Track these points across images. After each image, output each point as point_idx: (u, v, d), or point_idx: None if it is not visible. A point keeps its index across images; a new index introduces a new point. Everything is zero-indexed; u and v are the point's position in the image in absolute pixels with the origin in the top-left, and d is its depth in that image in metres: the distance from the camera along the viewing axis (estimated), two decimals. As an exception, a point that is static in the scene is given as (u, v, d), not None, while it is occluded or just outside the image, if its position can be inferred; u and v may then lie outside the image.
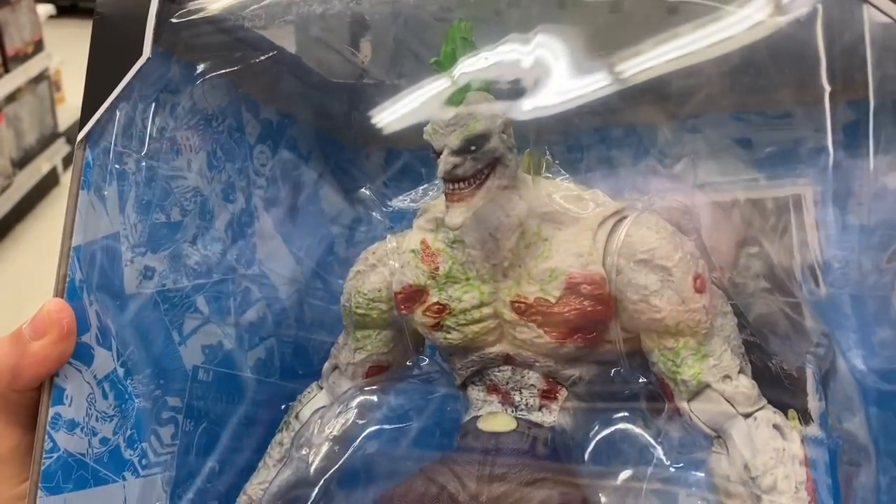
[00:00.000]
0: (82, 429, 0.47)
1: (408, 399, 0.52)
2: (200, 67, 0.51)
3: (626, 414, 0.45)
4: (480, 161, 0.43)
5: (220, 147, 0.57)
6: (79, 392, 0.47)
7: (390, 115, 0.57)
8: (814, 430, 0.44)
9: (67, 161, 3.01)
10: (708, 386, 0.43)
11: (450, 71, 0.45)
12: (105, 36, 0.48)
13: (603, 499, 0.42)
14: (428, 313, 0.48)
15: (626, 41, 0.47)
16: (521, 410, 0.47)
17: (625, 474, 0.43)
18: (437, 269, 0.47)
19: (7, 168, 2.58)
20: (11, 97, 2.62)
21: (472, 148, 0.42)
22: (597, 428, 0.46)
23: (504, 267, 0.46)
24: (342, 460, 0.49)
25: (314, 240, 0.66)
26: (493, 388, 0.48)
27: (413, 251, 0.49)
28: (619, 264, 0.43)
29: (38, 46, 2.80)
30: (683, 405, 0.44)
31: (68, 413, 0.46)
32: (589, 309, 0.44)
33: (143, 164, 0.50)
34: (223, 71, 0.51)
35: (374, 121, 0.59)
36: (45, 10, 2.93)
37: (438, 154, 0.43)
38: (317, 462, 0.49)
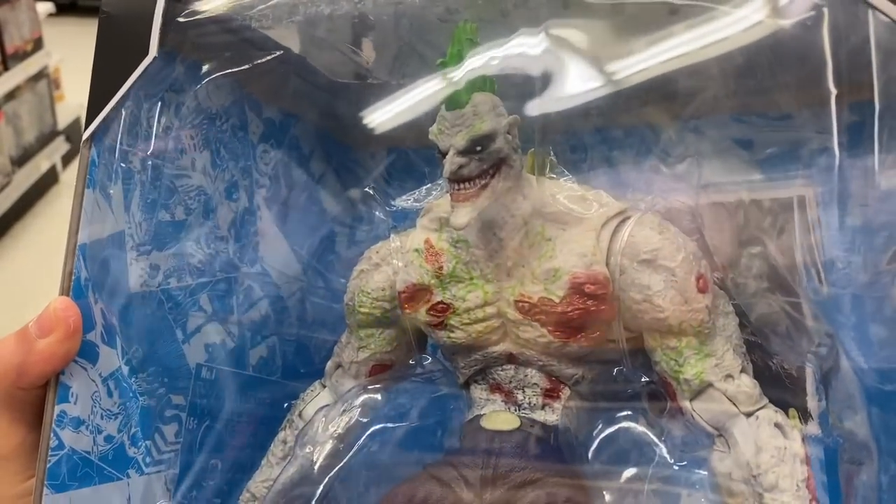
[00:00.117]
0: (87, 426, 0.47)
1: (411, 398, 0.52)
2: (205, 67, 0.51)
3: (629, 413, 0.46)
4: (486, 161, 0.43)
5: (224, 146, 0.57)
6: (84, 390, 0.47)
7: (393, 115, 0.57)
8: (813, 428, 0.44)
9: (67, 159, 3.00)
10: (710, 385, 0.43)
11: (456, 71, 0.45)
12: (111, 35, 0.48)
13: (607, 497, 0.43)
14: (432, 312, 0.48)
15: (628, 41, 0.47)
16: (525, 409, 0.48)
17: (628, 473, 0.44)
18: (440, 268, 0.48)
19: (6, 166, 2.58)
20: (11, 95, 2.62)
21: (478, 148, 0.42)
22: (600, 426, 0.46)
23: (508, 266, 0.46)
24: (346, 459, 0.49)
25: (316, 238, 0.66)
26: (496, 387, 0.49)
27: (417, 250, 0.49)
28: (623, 264, 0.44)
29: (38, 44, 2.79)
30: (686, 404, 0.44)
31: (74, 411, 0.47)
32: (592, 308, 0.44)
33: (148, 162, 0.50)
34: (228, 71, 0.51)
35: (376, 120, 0.59)
36: (45, 7, 2.93)
37: (444, 154, 0.43)
38: (320, 460, 0.49)
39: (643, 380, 0.47)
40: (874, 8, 0.32)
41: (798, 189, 0.46)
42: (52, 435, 0.45)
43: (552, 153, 0.49)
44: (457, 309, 0.47)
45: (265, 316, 0.61)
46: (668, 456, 0.44)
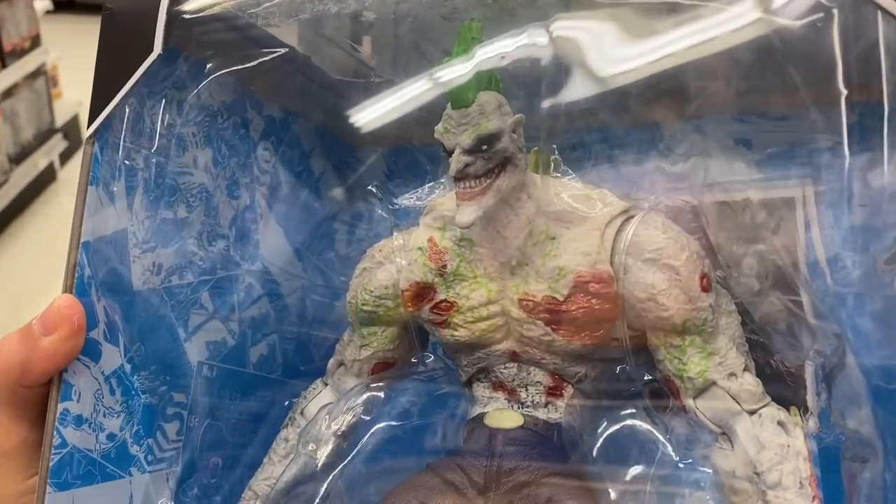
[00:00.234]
0: (90, 424, 0.47)
1: (413, 396, 0.52)
2: (208, 64, 0.51)
3: (633, 410, 0.46)
4: (491, 160, 0.43)
5: (226, 143, 0.57)
6: (87, 388, 0.47)
7: (394, 112, 0.58)
8: (812, 425, 0.45)
9: (65, 157, 2.99)
10: (714, 383, 0.43)
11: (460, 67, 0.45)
12: (114, 31, 0.48)
13: (611, 494, 0.43)
14: (435, 311, 0.48)
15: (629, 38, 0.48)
16: (528, 407, 0.48)
17: (632, 470, 0.44)
18: (444, 266, 0.48)
19: (4, 164, 2.56)
20: (8, 92, 2.61)
21: (484, 147, 0.42)
22: (603, 424, 0.46)
23: (512, 265, 0.46)
24: (349, 457, 0.49)
25: (315, 236, 0.66)
26: (498, 385, 0.49)
27: (420, 249, 0.49)
28: (627, 263, 0.44)
29: (35, 42, 2.78)
30: (689, 402, 0.44)
31: (76, 409, 0.46)
32: (597, 307, 0.44)
33: (152, 160, 0.50)
34: (232, 69, 0.51)
35: (376, 117, 0.59)
36: (42, 5, 2.92)
37: (449, 153, 0.43)
38: (324, 458, 0.49)
39: (646, 378, 0.47)
40: (883, 10, 0.32)
41: (801, 188, 0.47)
42: (54, 433, 0.45)
43: (556, 152, 0.49)
44: (460, 307, 0.47)
45: (265, 314, 0.61)
46: (671, 454, 0.44)
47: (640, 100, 0.50)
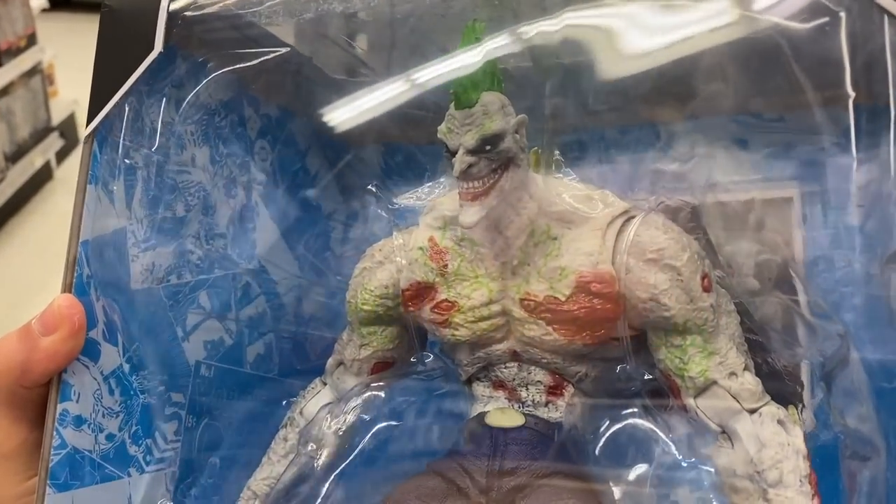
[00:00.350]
0: (89, 425, 0.47)
1: (413, 395, 0.52)
2: (208, 63, 0.51)
3: (633, 410, 0.46)
4: (495, 161, 0.43)
5: (223, 142, 0.57)
6: (86, 388, 0.47)
7: (388, 110, 0.58)
8: (809, 424, 0.45)
9: (61, 155, 2.97)
10: (714, 383, 0.44)
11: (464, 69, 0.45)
12: (113, 30, 0.47)
13: (612, 493, 0.43)
14: (436, 310, 0.48)
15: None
16: (528, 406, 0.48)
17: (632, 469, 0.44)
18: (445, 266, 0.48)
19: (0, 162, 2.54)
20: (4, 91, 2.58)
21: (487, 148, 0.43)
22: (604, 424, 0.46)
23: (513, 265, 0.46)
24: (350, 457, 0.49)
25: (311, 235, 0.66)
26: (499, 385, 0.49)
27: (421, 248, 0.49)
28: (629, 263, 0.44)
29: (31, 40, 2.76)
30: (690, 401, 0.44)
31: (76, 409, 0.46)
32: (598, 307, 0.44)
33: (150, 158, 0.50)
34: (231, 67, 0.51)
35: (371, 116, 0.59)
36: (38, 3, 2.89)
37: (452, 153, 0.43)
38: (324, 458, 0.49)
39: (646, 377, 0.48)
40: (890, 15, 0.33)
41: (795, 188, 0.47)
42: (54, 433, 0.45)
43: (557, 152, 0.49)
44: (461, 307, 0.47)
45: (262, 313, 0.61)
46: (672, 452, 0.45)
47: (640, 99, 0.50)
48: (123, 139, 0.47)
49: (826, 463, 0.43)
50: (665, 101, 0.50)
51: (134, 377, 0.50)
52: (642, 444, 0.45)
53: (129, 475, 0.49)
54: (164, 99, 0.50)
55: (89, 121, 0.47)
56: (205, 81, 0.51)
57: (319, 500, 0.47)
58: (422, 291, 0.49)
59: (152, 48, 0.46)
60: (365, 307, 0.51)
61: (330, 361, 0.55)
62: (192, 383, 0.54)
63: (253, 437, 0.56)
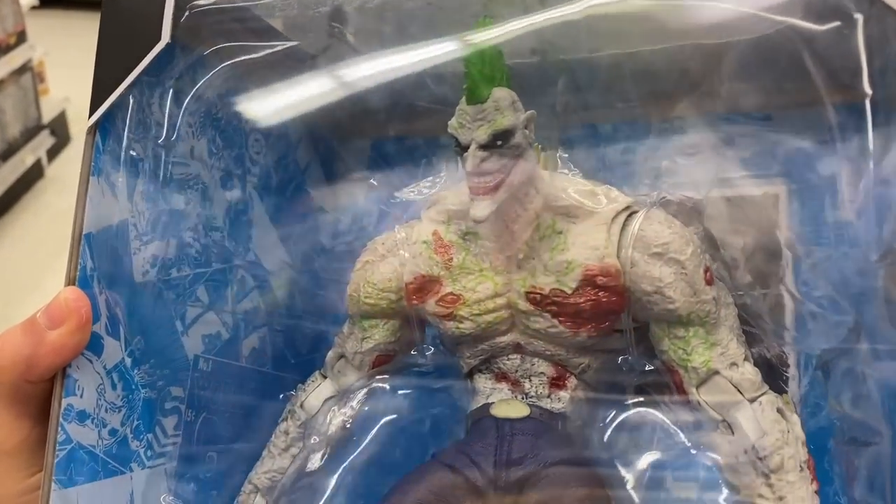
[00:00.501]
0: (93, 420, 0.46)
1: (415, 388, 0.53)
2: (210, 56, 0.50)
3: (636, 400, 0.47)
4: (505, 156, 0.44)
5: (220, 134, 0.56)
6: (90, 383, 0.46)
7: (379, 104, 0.58)
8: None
9: (52, 153, 2.92)
10: (717, 373, 0.45)
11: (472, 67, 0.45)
12: (117, 20, 0.47)
13: (621, 481, 0.44)
14: (441, 303, 0.49)
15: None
16: (532, 398, 0.49)
17: (637, 458, 0.45)
18: (450, 260, 0.48)
19: (-9, 160, 2.49)
20: (-6, 89, 2.53)
21: (499, 143, 0.43)
22: (609, 414, 0.47)
23: (518, 259, 0.47)
24: (356, 451, 0.49)
25: (303, 228, 0.66)
26: (501, 376, 0.50)
27: (425, 242, 0.49)
28: (634, 257, 0.45)
29: (21, 37, 2.70)
30: (692, 391, 0.46)
31: (79, 404, 0.46)
32: (604, 300, 0.45)
33: (153, 151, 0.49)
34: (232, 61, 0.51)
35: (362, 108, 0.59)
36: (28, 0, 2.82)
37: (464, 148, 0.44)
38: (330, 451, 0.49)
39: (647, 367, 0.49)
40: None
41: (794, 185, 0.49)
42: (59, 429, 0.44)
43: (559, 150, 0.50)
44: (466, 300, 0.48)
45: (256, 306, 0.60)
46: (673, 440, 0.46)
47: (640, 96, 0.51)
48: (127, 131, 0.47)
49: (815, 450, 0.45)
50: (659, 99, 0.51)
51: (135, 371, 0.49)
52: (646, 433, 0.47)
53: (131, 470, 0.49)
54: (165, 92, 0.49)
55: (92, 112, 0.46)
56: (202, 73, 0.51)
57: (328, 493, 0.47)
58: (426, 285, 0.49)
59: (159, 39, 0.45)
60: (368, 300, 0.51)
61: (330, 354, 0.55)
62: (191, 377, 0.53)
63: (251, 431, 0.56)
